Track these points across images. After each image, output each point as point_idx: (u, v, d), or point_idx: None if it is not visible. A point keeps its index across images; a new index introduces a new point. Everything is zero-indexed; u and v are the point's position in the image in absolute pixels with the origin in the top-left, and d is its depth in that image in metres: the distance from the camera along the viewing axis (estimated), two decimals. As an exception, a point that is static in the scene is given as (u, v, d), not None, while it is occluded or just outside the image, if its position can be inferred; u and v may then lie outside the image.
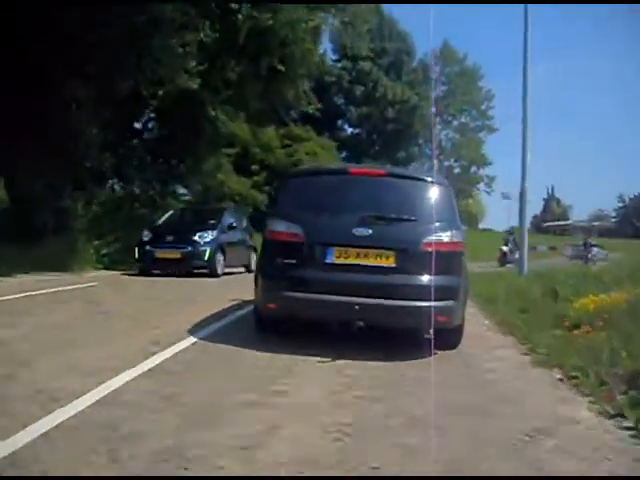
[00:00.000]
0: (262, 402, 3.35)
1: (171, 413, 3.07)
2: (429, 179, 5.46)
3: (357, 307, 4.67)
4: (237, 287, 9.91)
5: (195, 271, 11.75)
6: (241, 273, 13.82)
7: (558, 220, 60.25)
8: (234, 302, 7.50)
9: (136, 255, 11.70)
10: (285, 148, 31.17)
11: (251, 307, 7.11)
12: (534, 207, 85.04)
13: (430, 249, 4.73)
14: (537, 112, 42.19)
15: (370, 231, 4.82)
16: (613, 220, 79.59)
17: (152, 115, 17.02)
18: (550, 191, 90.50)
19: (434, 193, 5.24)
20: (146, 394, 3.38)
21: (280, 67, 14.38)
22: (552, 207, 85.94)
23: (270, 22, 13.86)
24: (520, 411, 3.47)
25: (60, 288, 8.58)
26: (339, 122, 48.65)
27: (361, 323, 4.80)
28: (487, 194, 60.31)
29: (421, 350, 4.82)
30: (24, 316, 6.04)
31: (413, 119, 47.14)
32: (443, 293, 4.66)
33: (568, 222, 49.97)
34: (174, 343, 4.79)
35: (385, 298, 4.73)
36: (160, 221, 13.14)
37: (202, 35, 12.92)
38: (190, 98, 14.18)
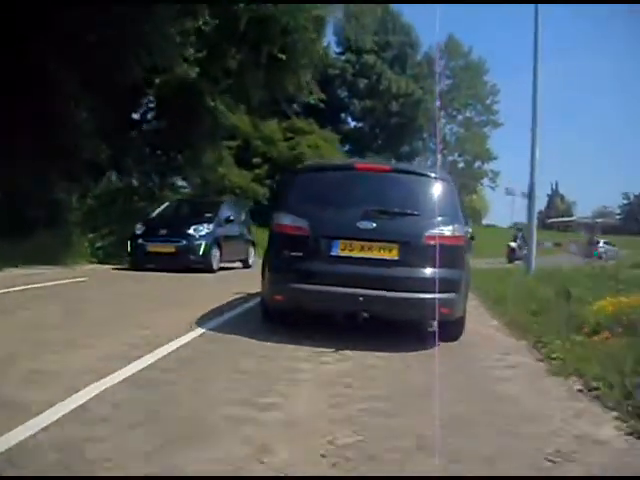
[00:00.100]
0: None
1: (146, 433, 2.71)
2: (432, 175, 5.56)
3: (361, 299, 4.80)
4: (234, 283, 9.58)
5: (191, 265, 11.22)
6: (239, 268, 13.45)
7: (562, 216, 59.84)
8: (230, 299, 7.15)
9: (128, 249, 11.27)
10: (287, 141, 30.70)
11: (248, 306, 6.87)
12: (538, 203, 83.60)
13: (432, 242, 4.85)
14: (540, 109, 41.48)
15: (374, 225, 4.94)
16: (617, 217, 78.95)
17: (151, 106, 16.60)
18: (554, 187, 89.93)
19: (437, 188, 5.37)
20: (119, 408, 3.01)
21: (281, 56, 13.95)
22: (556, 203, 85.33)
23: (271, 10, 13.47)
24: (538, 428, 3.10)
25: (47, 283, 8.21)
26: (342, 115, 48.08)
27: (365, 314, 4.96)
28: (491, 189, 59.79)
29: (424, 342, 4.96)
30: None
31: (417, 113, 46.54)
32: (445, 285, 4.77)
33: (572, 218, 49.65)
34: (161, 345, 4.43)
35: (388, 290, 4.85)
36: (154, 214, 12.66)
37: (201, 22, 12.49)
38: (188, 87, 13.75)
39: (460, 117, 55.89)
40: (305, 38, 14.32)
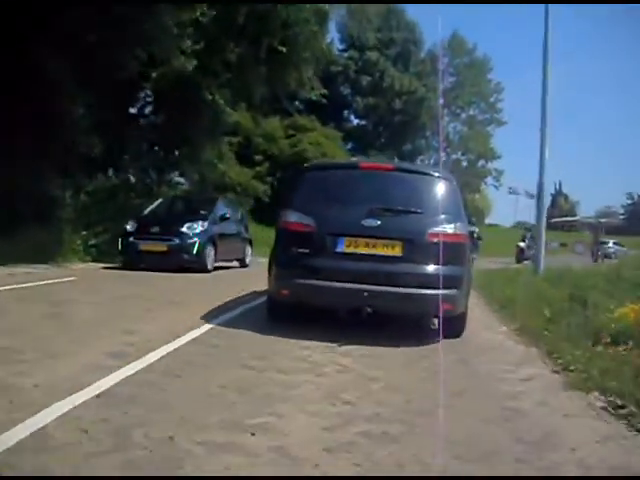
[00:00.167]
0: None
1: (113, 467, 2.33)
2: (435, 174, 5.77)
3: (365, 294, 4.95)
4: (228, 284, 9.22)
5: (184, 265, 10.72)
6: (235, 268, 13.01)
7: (566, 216, 59.29)
8: (225, 301, 6.78)
9: (119, 247, 10.83)
10: (289, 138, 30.31)
11: (243, 309, 6.48)
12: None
13: (435, 240, 5.03)
14: (550, 109, 41.05)
15: (378, 222, 5.08)
16: (621, 217, 78.38)
17: (148, 100, 16.18)
18: (558, 187, 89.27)
19: (440, 187, 5.54)
20: (85, 433, 2.63)
21: (281, 48, 13.50)
22: (560, 203, 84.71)
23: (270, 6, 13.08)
24: (563, 457, 2.71)
25: (33, 283, 7.82)
26: (345, 113, 47.58)
27: (369, 309, 5.10)
28: (495, 188, 59.23)
29: (427, 338, 5.15)
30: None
31: (420, 111, 46.00)
32: (447, 282, 4.89)
33: (576, 218, 49.25)
34: (144, 355, 4.05)
35: (392, 285, 4.98)
36: (147, 210, 12.15)
37: (199, 13, 12.08)
38: (186, 80, 13.31)
39: (464, 115, 55.25)
40: (307, 31, 13.87)
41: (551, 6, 12.95)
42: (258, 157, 28.82)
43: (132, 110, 16.38)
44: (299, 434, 2.80)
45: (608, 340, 4.47)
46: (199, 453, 2.49)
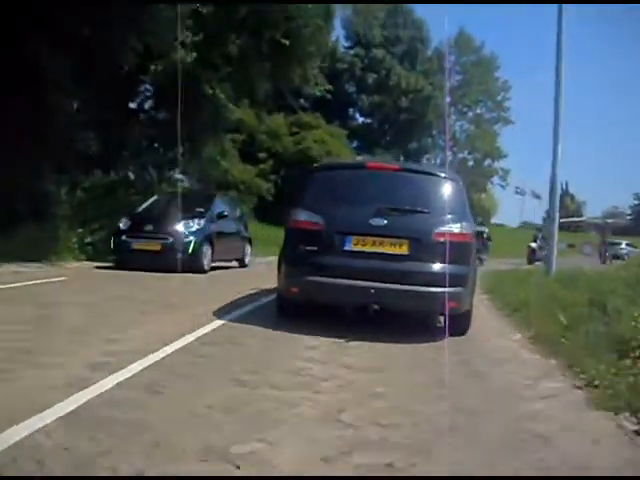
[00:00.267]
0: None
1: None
2: (442, 174, 5.90)
3: (373, 291, 5.05)
4: (225, 285, 8.86)
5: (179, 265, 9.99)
6: (234, 268, 12.53)
7: (572, 216, 58.82)
8: (220, 306, 6.39)
9: (111, 246, 10.40)
10: (293, 136, 29.93)
11: (238, 314, 6.08)
12: (547, 203, 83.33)
13: (441, 239, 5.14)
14: (550, 110, 40.65)
15: (385, 221, 5.20)
16: (628, 217, 77.77)
17: (148, 94, 15.80)
18: (564, 187, 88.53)
19: (446, 188, 5.65)
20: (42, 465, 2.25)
21: (284, 41, 13.05)
22: (566, 203, 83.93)
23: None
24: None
25: (22, 283, 7.47)
26: (350, 110, 47.14)
27: (376, 306, 5.18)
28: (501, 188, 58.79)
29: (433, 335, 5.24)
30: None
31: (427, 109, 45.53)
32: (452, 280, 5.03)
33: (582, 219, 48.97)
34: (124, 367, 3.68)
35: (398, 283, 5.08)
36: (141, 208, 11.59)
37: (198, 5, 11.69)
38: (185, 74, 12.88)
39: (470, 114, 54.71)
40: (311, 24, 13.45)
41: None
42: (262, 155, 28.47)
43: (132, 105, 16.00)
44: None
45: (638, 354, 4.04)
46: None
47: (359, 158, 23.73)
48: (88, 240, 11.90)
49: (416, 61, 47.09)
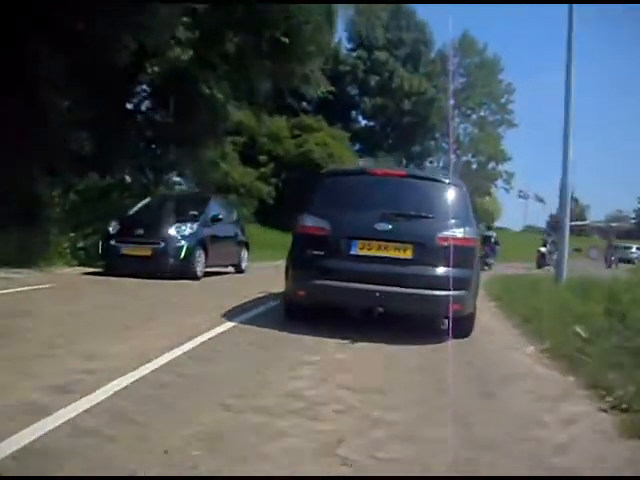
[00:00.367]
0: None
1: None
2: (446, 180, 6.01)
3: (378, 294, 5.18)
4: (218, 293, 8.43)
5: (170, 271, 9.64)
6: (230, 274, 11.97)
7: (576, 220, 58.41)
8: (212, 316, 5.99)
9: (99, 250, 9.94)
10: (295, 138, 29.56)
11: (227, 327, 5.64)
12: (551, 206, 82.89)
13: (445, 243, 5.25)
14: (554, 113, 40.47)
15: (390, 226, 5.33)
16: (632, 221, 77.30)
17: (144, 95, 15.42)
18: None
19: (450, 193, 5.76)
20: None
21: (284, 39, 12.66)
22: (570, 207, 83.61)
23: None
24: None
25: (4, 291, 7.05)
26: (353, 113, 46.77)
27: (381, 309, 5.32)
28: (505, 191, 58.33)
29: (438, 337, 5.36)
30: None
31: (430, 112, 45.11)
32: (456, 283, 5.09)
33: (586, 222, 48.54)
34: (94, 390, 3.28)
35: (403, 287, 5.20)
36: (132, 211, 11.05)
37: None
38: (181, 73, 12.48)
39: (474, 116, 54.22)
40: (312, 21, 13.06)
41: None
42: (262, 157, 28.13)
43: (129, 106, 15.60)
44: None
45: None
46: None
47: (361, 161, 23.41)
48: (80, 245, 11.41)
49: (419, 63, 46.75)
